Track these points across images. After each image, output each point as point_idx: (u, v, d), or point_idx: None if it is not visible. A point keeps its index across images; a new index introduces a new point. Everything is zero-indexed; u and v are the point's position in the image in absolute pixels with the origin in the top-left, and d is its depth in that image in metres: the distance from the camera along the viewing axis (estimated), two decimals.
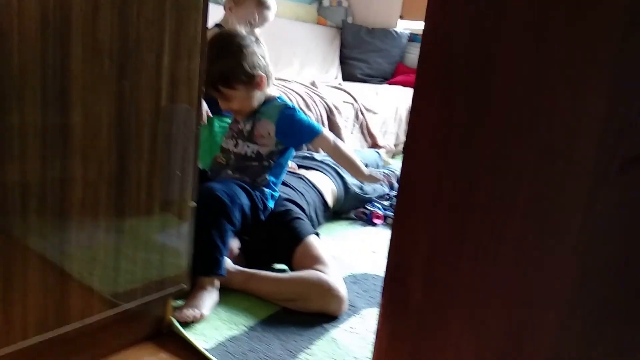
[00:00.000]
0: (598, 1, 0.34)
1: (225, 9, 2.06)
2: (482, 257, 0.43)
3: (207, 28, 0.98)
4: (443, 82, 0.44)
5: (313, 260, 1.37)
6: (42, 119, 0.78)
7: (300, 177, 1.82)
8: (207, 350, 1.08)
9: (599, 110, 0.36)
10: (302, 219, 1.51)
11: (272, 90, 1.60)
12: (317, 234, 1.49)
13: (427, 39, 0.46)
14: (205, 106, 1.95)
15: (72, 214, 0.86)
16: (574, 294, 0.38)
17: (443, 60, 0.44)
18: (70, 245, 0.87)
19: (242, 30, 1.63)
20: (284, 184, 1.70)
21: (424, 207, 0.46)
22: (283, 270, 1.50)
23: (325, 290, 1.28)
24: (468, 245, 0.44)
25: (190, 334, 1.13)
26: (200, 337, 1.13)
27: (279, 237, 1.46)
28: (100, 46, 0.81)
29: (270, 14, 2.04)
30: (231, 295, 1.32)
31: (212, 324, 1.19)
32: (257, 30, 2.07)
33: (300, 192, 1.75)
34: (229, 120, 2.06)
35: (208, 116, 2.01)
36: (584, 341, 0.40)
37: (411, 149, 0.48)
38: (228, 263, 1.33)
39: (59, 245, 0.86)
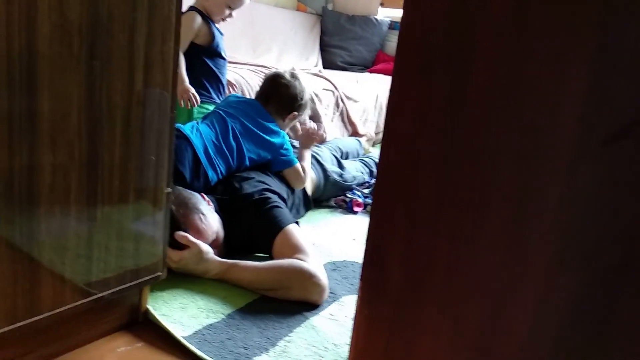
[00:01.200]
0: None
1: None
2: (460, 237, 0.42)
3: (181, 9, 0.95)
4: (422, 58, 0.42)
5: (293, 249, 1.36)
6: (7, 102, 0.75)
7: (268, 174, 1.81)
8: (184, 338, 1.07)
9: (580, 85, 0.35)
10: (280, 207, 1.49)
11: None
12: (297, 223, 1.48)
13: (407, 16, 0.44)
14: (192, 89, 1.92)
15: (41, 201, 0.83)
16: (552, 272, 0.38)
17: (422, 35, 0.42)
18: (40, 233, 0.84)
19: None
20: (264, 173, 1.69)
21: (402, 189, 0.45)
22: (264, 260, 1.49)
23: (306, 278, 1.27)
24: (446, 225, 0.43)
25: (167, 322, 1.11)
26: (178, 325, 1.11)
27: (259, 226, 1.44)
28: (68, 24, 0.78)
29: None
30: (209, 284, 1.31)
31: (189, 312, 1.17)
32: (234, 13, 2.04)
33: (280, 181, 1.73)
34: (207, 107, 2.04)
35: (196, 99, 1.96)
36: (564, 320, 0.39)
37: (390, 129, 0.46)
38: (205, 252, 1.31)
39: (28, 233, 0.83)
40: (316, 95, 2.79)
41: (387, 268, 0.46)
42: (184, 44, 1.96)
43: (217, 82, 2.10)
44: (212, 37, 2.02)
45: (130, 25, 0.86)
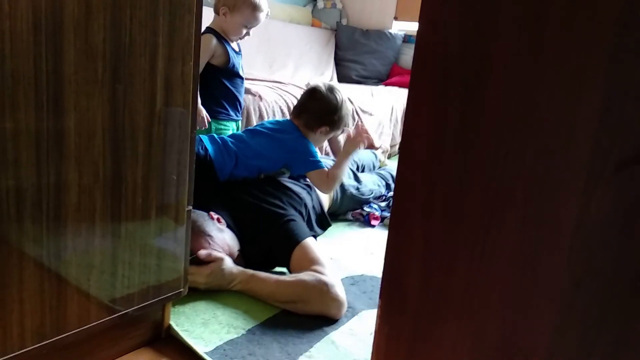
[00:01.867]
0: (593, 1, 0.34)
1: (218, 13, 2.07)
2: (477, 259, 0.43)
3: (200, 30, 0.98)
4: (438, 83, 0.43)
5: (311, 263, 1.37)
6: (35, 124, 0.78)
7: (298, 183, 1.81)
8: (206, 354, 1.08)
9: (594, 110, 0.35)
10: (296, 220, 1.50)
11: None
12: (315, 236, 1.49)
13: (421, 38, 0.45)
14: (204, 112, 1.98)
15: (68, 220, 0.85)
16: (569, 296, 0.38)
17: (438, 60, 0.43)
18: (66, 251, 0.87)
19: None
20: (273, 195, 1.69)
21: (419, 209, 0.46)
22: (282, 273, 1.50)
23: (324, 292, 1.28)
24: (463, 246, 0.44)
25: (189, 338, 1.12)
26: (199, 340, 1.12)
27: (276, 240, 1.45)
28: (93, 50, 0.81)
29: (264, 15, 2.07)
30: (229, 298, 1.32)
31: (210, 327, 1.18)
32: (251, 31, 2.08)
33: (299, 196, 1.73)
34: (226, 124, 2.08)
35: (207, 120, 2.02)
36: (581, 344, 0.40)
37: (406, 150, 0.47)
38: (229, 262, 1.33)
39: (55, 252, 0.85)
40: None
41: (405, 287, 0.47)
42: (200, 66, 2.00)
43: (234, 100, 2.14)
44: (228, 57, 2.06)
45: (152, 49, 0.89)
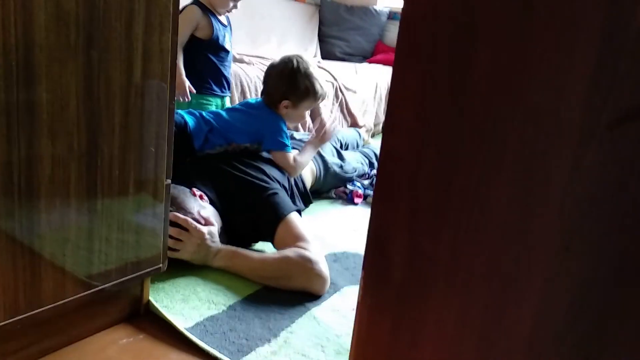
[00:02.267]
0: None
1: None
2: (464, 225, 0.42)
3: (179, 0, 0.94)
4: (424, 45, 0.42)
5: (295, 239, 1.36)
6: (5, 93, 0.74)
7: (270, 160, 1.76)
8: (186, 329, 1.07)
9: (586, 67, 0.34)
10: (279, 194, 1.48)
11: None
12: (299, 211, 1.48)
13: (408, 5, 0.44)
14: (187, 82, 1.94)
15: (41, 193, 0.82)
16: (559, 258, 0.37)
17: (425, 21, 0.42)
18: (40, 226, 0.84)
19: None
20: (263, 162, 1.67)
21: (405, 176, 0.45)
22: (262, 251, 1.49)
23: (308, 268, 1.27)
24: (450, 212, 0.43)
25: (169, 314, 1.11)
26: (179, 316, 1.11)
27: (260, 213, 1.43)
28: (65, 14, 0.77)
29: None
30: (210, 274, 1.31)
31: (191, 303, 1.17)
32: (239, 4, 2.04)
33: (280, 171, 1.71)
34: (208, 99, 2.05)
35: (192, 91, 1.99)
36: (569, 310, 0.39)
37: (392, 117, 0.46)
38: (215, 234, 1.32)
39: (28, 226, 0.82)
40: None
41: (389, 257, 0.46)
42: (183, 37, 1.96)
43: (219, 75, 2.10)
44: (212, 30, 2.01)
45: (128, 15, 0.86)
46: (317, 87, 1.73)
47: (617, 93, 0.33)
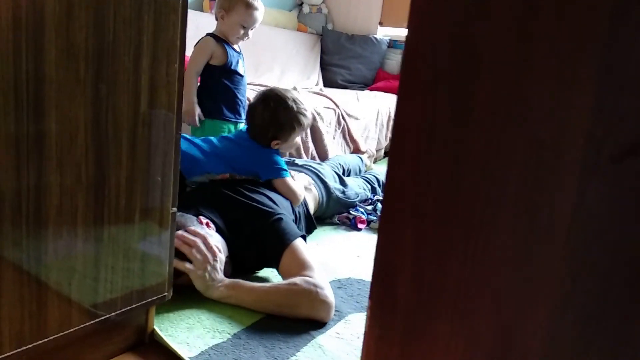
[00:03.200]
0: None
1: (217, 19, 2.15)
2: (470, 257, 0.42)
3: (186, 31, 0.96)
4: (426, 78, 0.43)
5: (300, 265, 1.35)
6: (16, 125, 0.76)
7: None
8: (190, 358, 1.06)
9: (586, 102, 0.35)
10: (284, 219, 1.49)
11: None
12: (304, 237, 1.48)
13: (410, 33, 0.45)
14: (198, 109, 2.03)
15: (49, 223, 0.83)
16: (565, 291, 0.38)
17: (426, 55, 0.43)
18: (47, 255, 0.85)
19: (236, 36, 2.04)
20: (269, 189, 1.68)
21: (409, 207, 0.45)
22: (264, 280, 1.49)
23: (313, 296, 1.27)
24: (455, 244, 0.43)
25: (173, 343, 1.10)
26: (184, 345, 1.11)
27: (266, 239, 1.44)
28: (75, 49, 0.79)
29: (259, 14, 2.11)
30: (215, 303, 1.30)
31: (195, 332, 1.17)
32: (250, 33, 2.11)
33: (285, 198, 1.72)
34: (220, 124, 2.11)
35: (200, 119, 2.11)
36: (578, 341, 0.39)
37: (396, 148, 0.47)
38: (216, 266, 1.32)
39: (35, 255, 0.83)
40: (318, 113, 2.81)
41: (396, 287, 0.46)
42: (199, 67, 2.08)
43: (232, 100, 2.17)
44: (227, 56, 2.09)
45: (136, 49, 0.88)
46: (301, 118, 1.76)
47: (619, 126, 0.34)
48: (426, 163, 0.43)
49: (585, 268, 0.37)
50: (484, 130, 0.39)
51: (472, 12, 0.38)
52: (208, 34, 2.14)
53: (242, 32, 2.11)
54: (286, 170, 1.76)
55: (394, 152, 0.46)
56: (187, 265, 1.27)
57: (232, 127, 2.18)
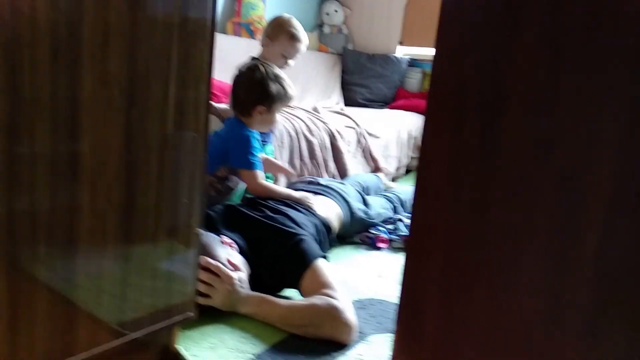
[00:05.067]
0: (614, 26, 0.34)
1: (262, 44, 2.20)
2: (497, 287, 0.43)
3: (213, 57, 0.99)
4: (454, 108, 0.44)
5: (322, 286, 1.36)
6: (51, 148, 0.79)
7: (297, 206, 1.77)
8: None
9: (614, 137, 0.36)
10: (306, 240, 1.49)
11: None
12: (325, 257, 1.48)
13: (437, 67, 0.46)
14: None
15: (80, 243, 0.86)
16: (594, 325, 0.38)
17: (454, 85, 0.44)
18: (77, 275, 0.87)
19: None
20: (292, 208, 1.69)
21: (437, 235, 0.46)
22: (289, 298, 1.49)
23: (336, 317, 1.27)
24: (483, 273, 0.44)
25: None
26: None
27: (287, 260, 1.45)
28: (109, 76, 0.83)
29: (303, 47, 2.15)
30: (237, 321, 1.31)
31: (218, 352, 1.17)
32: (291, 62, 2.14)
33: (307, 217, 1.72)
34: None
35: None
36: None
37: (423, 178, 0.48)
38: (244, 281, 1.34)
39: (66, 275, 0.85)
40: (338, 132, 2.83)
41: (423, 314, 0.46)
42: None
43: None
44: None
45: (166, 76, 0.91)
46: (287, 88, 1.81)
47: None
48: (455, 193, 0.44)
49: (614, 301, 0.37)
50: (512, 162, 0.40)
51: (501, 46, 0.40)
52: (252, 58, 2.17)
53: (283, 61, 2.14)
54: (257, 164, 1.74)
55: (421, 181, 0.47)
56: (206, 299, 1.28)
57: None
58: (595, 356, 0.39)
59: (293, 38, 2.10)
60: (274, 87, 1.78)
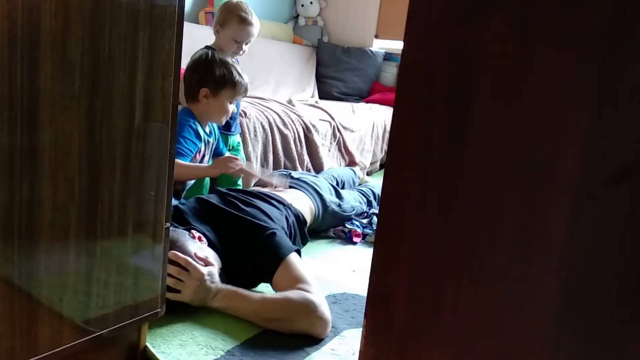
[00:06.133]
0: (580, 15, 0.34)
1: (214, 32, 2.16)
2: (467, 276, 0.42)
3: (181, 45, 0.96)
4: (423, 98, 0.43)
5: (295, 280, 1.34)
6: (9, 138, 0.75)
7: (269, 199, 1.73)
8: None
9: (581, 125, 0.35)
10: (278, 234, 1.48)
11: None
12: (299, 251, 1.47)
13: (407, 54, 0.45)
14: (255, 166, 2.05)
15: (41, 238, 0.82)
16: (561, 311, 0.37)
17: (423, 75, 0.43)
18: (39, 271, 0.83)
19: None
20: (265, 201, 1.67)
21: (406, 226, 0.45)
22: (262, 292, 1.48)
23: (311, 311, 1.26)
24: (451, 263, 0.43)
25: None
26: None
27: (260, 254, 1.43)
28: (70, 64, 0.79)
29: (254, 30, 2.12)
30: (208, 318, 1.29)
31: (188, 349, 1.15)
32: (245, 47, 2.12)
33: (280, 211, 1.71)
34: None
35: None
36: (575, 358, 0.39)
37: (392, 167, 0.47)
38: (215, 275, 1.31)
39: (26, 271, 0.82)
40: (313, 126, 2.81)
41: (392, 306, 0.46)
42: None
43: None
44: None
45: (131, 63, 0.88)
46: (235, 74, 1.77)
47: (613, 151, 0.34)
48: (423, 182, 0.43)
49: (580, 289, 0.37)
50: (481, 150, 0.39)
51: (470, 34, 0.39)
52: (205, 47, 2.15)
53: (236, 46, 2.12)
54: (182, 154, 1.67)
55: (390, 170, 0.45)
56: (175, 294, 1.25)
57: (225, 138, 2.18)
58: (564, 342, 0.38)
59: (243, 21, 2.09)
60: (218, 71, 1.74)
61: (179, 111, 1.76)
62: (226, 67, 1.76)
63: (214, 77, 1.75)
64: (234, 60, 2.19)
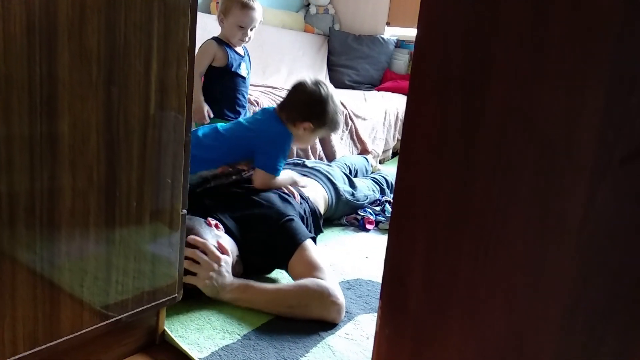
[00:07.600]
0: None
1: (219, 23, 2.20)
2: (482, 257, 0.42)
3: (195, 34, 0.97)
4: (438, 83, 0.43)
5: (310, 266, 1.36)
6: (29, 127, 0.77)
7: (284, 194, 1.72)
8: (201, 359, 1.07)
9: (597, 105, 0.35)
10: (295, 220, 1.49)
11: None
12: (314, 238, 1.48)
13: (421, 40, 0.45)
14: (206, 106, 2.11)
15: (62, 225, 0.84)
16: (576, 291, 0.38)
17: (438, 60, 0.43)
18: (59, 257, 0.85)
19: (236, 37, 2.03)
20: (273, 193, 1.68)
21: (421, 209, 0.46)
22: (274, 281, 1.50)
23: (325, 297, 1.27)
24: (466, 245, 0.43)
25: (184, 344, 1.11)
26: (194, 346, 1.11)
27: (277, 240, 1.44)
28: (87, 52, 0.80)
29: (256, 14, 2.13)
30: (224, 303, 1.31)
31: (205, 333, 1.17)
32: (250, 33, 2.13)
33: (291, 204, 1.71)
34: (223, 124, 2.12)
35: (209, 116, 2.15)
36: (588, 339, 0.39)
37: (407, 151, 0.47)
38: (229, 263, 1.32)
39: (48, 257, 0.84)
40: None
41: (407, 287, 0.46)
42: (202, 68, 2.13)
43: (232, 100, 2.21)
44: (227, 59, 2.12)
45: (146, 52, 0.89)
46: (340, 120, 1.77)
47: (629, 128, 0.34)
48: (437, 166, 0.43)
49: (596, 268, 0.37)
50: (496, 133, 0.39)
51: (485, 18, 0.39)
52: (212, 38, 2.18)
53: (241, 33, 2.13)
54: (278, 170, 1.69)
55: (404, 156, 0.46)
56: (190, 277, 1.26)
57: None
58: (578, 321, 0.39)
59: (245, 6, 2.10)
60: (330, 113, 1.72)
61: (268, 117, 1.73)
62: (337, 112, 1.74)
63: (325, 119, 1.73)
64: (241, 47, 2.21)
